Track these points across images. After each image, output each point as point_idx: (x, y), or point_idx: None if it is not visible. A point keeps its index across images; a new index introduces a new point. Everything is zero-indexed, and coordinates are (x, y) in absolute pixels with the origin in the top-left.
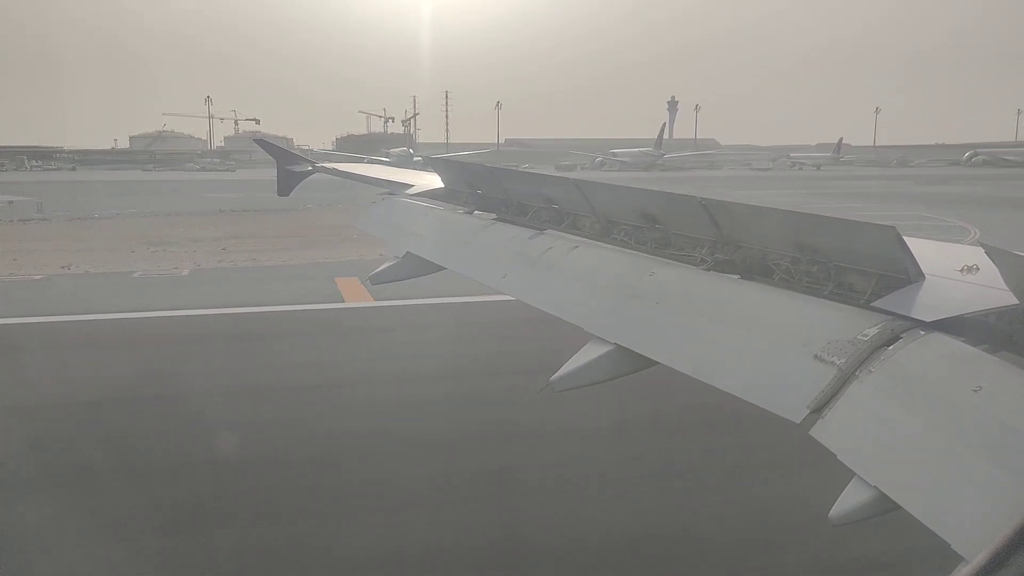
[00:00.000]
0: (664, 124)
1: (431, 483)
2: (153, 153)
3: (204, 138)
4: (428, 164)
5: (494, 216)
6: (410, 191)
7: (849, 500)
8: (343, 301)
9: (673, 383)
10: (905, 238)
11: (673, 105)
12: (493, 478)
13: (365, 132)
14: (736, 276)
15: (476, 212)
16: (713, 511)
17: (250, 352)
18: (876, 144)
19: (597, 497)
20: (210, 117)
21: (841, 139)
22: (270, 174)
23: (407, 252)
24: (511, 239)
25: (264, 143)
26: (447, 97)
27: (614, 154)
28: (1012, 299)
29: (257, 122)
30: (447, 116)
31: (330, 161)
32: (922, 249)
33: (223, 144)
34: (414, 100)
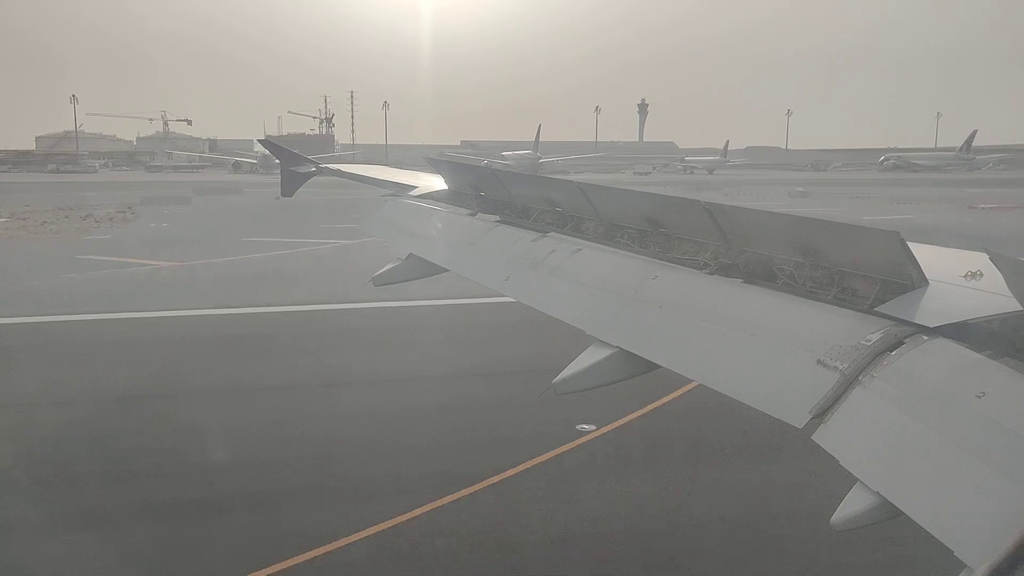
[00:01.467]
0: (540, 125)
1: None
2: (52, 155)
3: (132, 139)
4: (431, 166)
5: (497, 218)
6: (413, 192)
7: (851, 506)
8: None
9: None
10: (909, 243)
11: (643, 108)
12: None
13: (285, 134)
14: (739, 280)
15: (479, 214)
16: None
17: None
18: (788, 147)
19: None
20: (159, 118)
21: (727, 142)
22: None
23: (410, 254)
24: (514, 242)
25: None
26: (352, 97)
27: (503, 156)
28: (1016, 305)
29: (189, 123)
30: (352, 116)
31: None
32: (926, 254)
33: (135, 144)
34: (325, 100)
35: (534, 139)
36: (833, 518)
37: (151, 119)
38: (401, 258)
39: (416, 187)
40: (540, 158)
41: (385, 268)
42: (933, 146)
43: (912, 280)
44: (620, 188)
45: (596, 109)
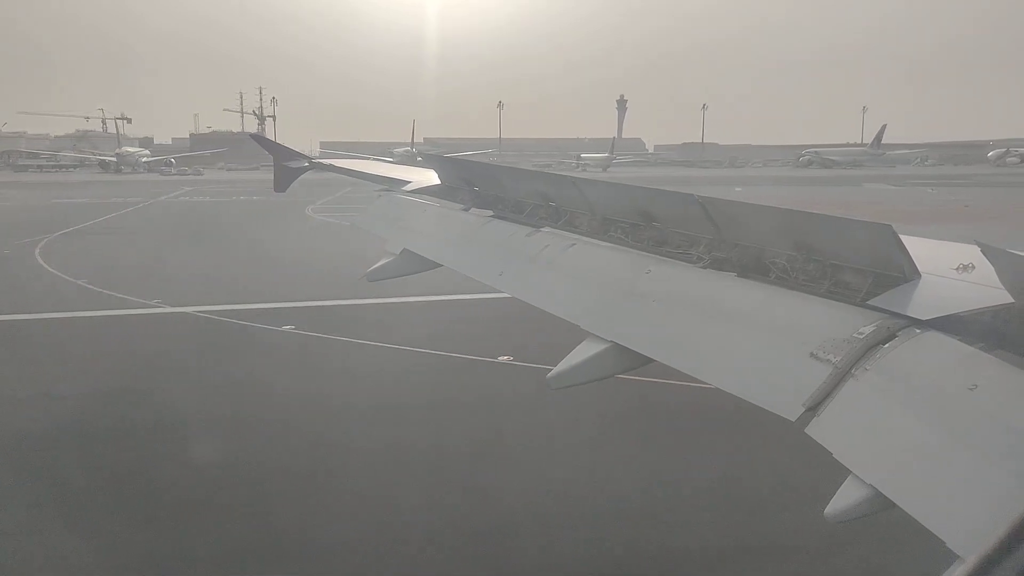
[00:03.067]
0: (414, 121)
1: None
2: None
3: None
4: (425, 161)
5: (491, 213)
6: (407, 188)
7: (845, 498)
8: None
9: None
10: (902, 236)
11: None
12: None
13: (212, 131)
14: (733, 274)
15: (473, 209)
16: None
17: None
18: (704, 141)
19: None
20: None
21: (614, 139)
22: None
23: (404, 249)
24: (508, 236)
25: (260, 139)
26: (261, 93)
27: (580, 157)
28: (1008, 298)
29: (129, 121)
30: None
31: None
32: (918, 247)
33: (50, 142)
34: (260, 91)
35: (876, 136)
36: (827, 510)
37: (88, 117)
38: (395, 253)
39: (410, 182)
40: (883, 153)
41: (379, 264)
42: (860, 141)
43: (904, 273)
44: (614, 182)
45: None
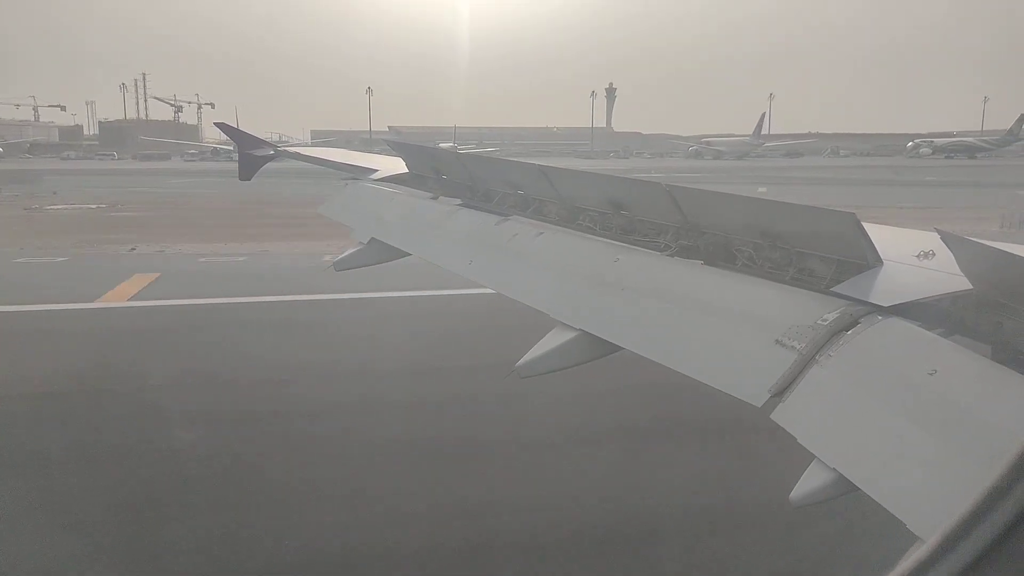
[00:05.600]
0: (763, 114)
1: None
2: None
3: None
4: (393, 149)
5: (459, 201)
6: (374, 176)
7: (809, 482)
8: None
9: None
10: (864, 224)
11: (611, 93)
12: None
13: (124, 118)
14: (699, 262)
15: (442, 197)
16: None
17: None
18: (594, 126)
19: None
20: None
21: (455, 126)
22: None
23: (371, 238)
24: (477, 225)
25: (225, 127)
26: (144, 79)
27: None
28: (966, 284)
29: (63, 108)
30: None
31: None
32: (880, 235)
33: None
34: (144, 76)
35: (756, 126)
36: (792, 494)
37: (18, 104)
38: (363, 243)
39: (377, 170)
40: (763, 143)
41: (346, 253)
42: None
43: (867, 260)
44: (582, 171)
45: (592, 93)
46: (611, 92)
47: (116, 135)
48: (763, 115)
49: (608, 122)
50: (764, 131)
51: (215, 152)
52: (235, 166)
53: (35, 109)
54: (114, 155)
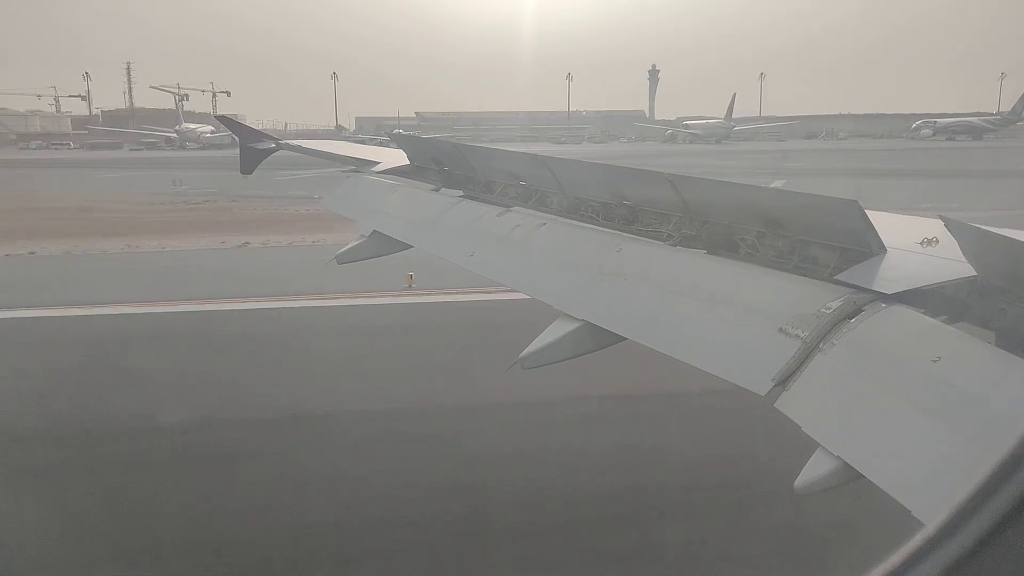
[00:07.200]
0: (735, 94)
1: None
2: None
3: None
4: (394, 141)
5: (461, 193)
6: (376, 168)
7: (814, 470)
8: None
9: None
10: (867, 211)
11: (654, 74)
12: None
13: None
14: (702, 251)
15: (443, 189)
16: None
17: None
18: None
19: None
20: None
21: (338, 116)
22: None
23: (373, 231)
24: (478, 217)
25: (227, 120)
26: (128, 69)
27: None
28: (970, 271)
29: (83, 98)
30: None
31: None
32: (884, 222)
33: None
34: (128, 66)
35: (727, 108)
36: (796, 482)
37: (39, 95)
38: (365, 235)
39: (379, 163)
40: (733, 126)
41: (348, 246)
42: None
43: (871, 248)
44: (584, 161)
45: (567, 76)
46: (654, 73)
47: (119, 124)
48: (734, 95)
49: (651, 110)
50: (763, 114)
51: (168, 141)
52: (180, 155)
53: (56, 99)
54: (70, 144)
